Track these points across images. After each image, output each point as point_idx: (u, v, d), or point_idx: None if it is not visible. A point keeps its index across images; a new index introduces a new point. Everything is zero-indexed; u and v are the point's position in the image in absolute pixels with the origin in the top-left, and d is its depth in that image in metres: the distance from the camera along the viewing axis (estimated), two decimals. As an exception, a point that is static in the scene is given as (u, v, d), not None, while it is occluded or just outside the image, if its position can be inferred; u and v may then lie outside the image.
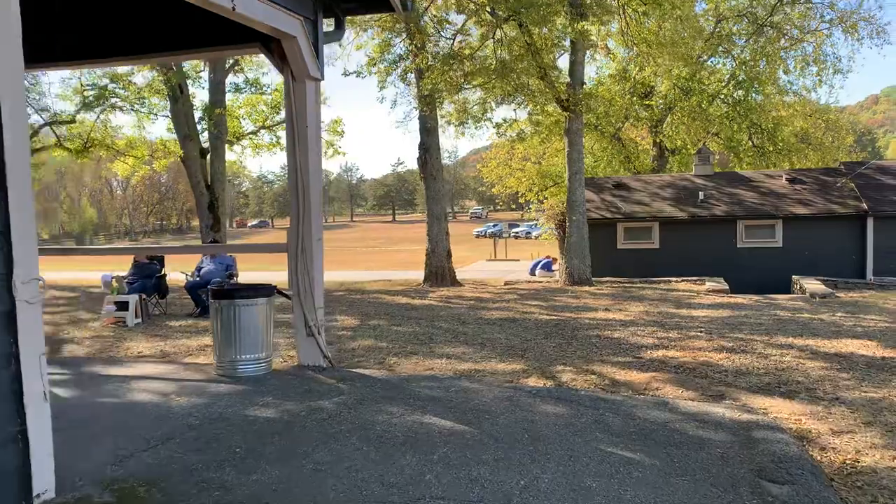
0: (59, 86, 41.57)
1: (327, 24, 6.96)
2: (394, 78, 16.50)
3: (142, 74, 21.20)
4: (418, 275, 18.34)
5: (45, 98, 23.39)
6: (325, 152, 25.22)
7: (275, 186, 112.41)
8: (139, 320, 10.74)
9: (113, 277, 11.56)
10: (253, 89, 21.99)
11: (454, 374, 6.74)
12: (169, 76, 18.87)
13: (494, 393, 5.75)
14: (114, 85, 20.72)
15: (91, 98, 20.74)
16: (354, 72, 16.69)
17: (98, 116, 23.34)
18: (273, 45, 6.17)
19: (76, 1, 6.42)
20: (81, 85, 21.86)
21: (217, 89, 19.96)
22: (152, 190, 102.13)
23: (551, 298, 14.04)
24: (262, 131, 24.74)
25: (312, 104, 6.43)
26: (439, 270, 17.63)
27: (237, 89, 21.73)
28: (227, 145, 23.06)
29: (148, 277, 11.76)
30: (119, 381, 6.02)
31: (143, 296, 11.29)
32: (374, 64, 16.12)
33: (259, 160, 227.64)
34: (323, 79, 6.60)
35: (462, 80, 15.53)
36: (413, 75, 17.12)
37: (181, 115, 19.70)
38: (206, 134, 20.71)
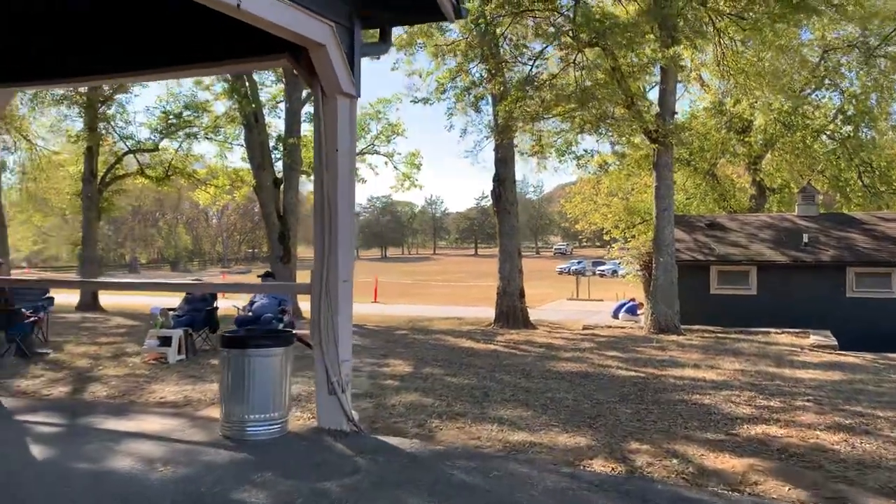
0: (143, 115, 42.94)
1: (370, 37, 6.12)
2: (465, 104, 15.61)
3: (221, 102, 21.23)
4: (492, 312, 17.24)
5: (130, 126, 23.74)
6: (402, 183, 24.66)
7: (360, 218, 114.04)
8: (182, 357, 10.08)
9: (161, 310, 11.02)
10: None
11: (503, 447, 5.62)
12: (243, 104, 18.68)
13: (546, 482, 4.59)
14: (189, 112, 20.80)
15: (172, 126, 20.87)
16: (423, 99, 15.96)
17: (180, 145, 23.57)
18: (301, 56, 5.34)
19: (77, 13, 5.78)
20: (166, 113, 22.09)
21: (293, 119, 19.65)
22: (245, 218, 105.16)
23: (633, 349, 12.66)
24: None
25: (345, 125, 5.54)
26: (510, 311, 16.47)
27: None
28: (302, 176, 22.78)
29: (198, 311, 11.16)
30: (109, 439, 5.20)
31: (191, 330, 10.68)
32: (444, 91, 15.32)
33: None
34: (359, 96, 5.72)
35: (540, 109, 14.50)
36: (488, 102, 16.23)
37: (256, 144, 19.47)
38: (280, 164, 20.42)
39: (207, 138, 21.38)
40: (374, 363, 10.01)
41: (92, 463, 4.63)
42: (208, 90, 20.62)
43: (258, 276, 11.85)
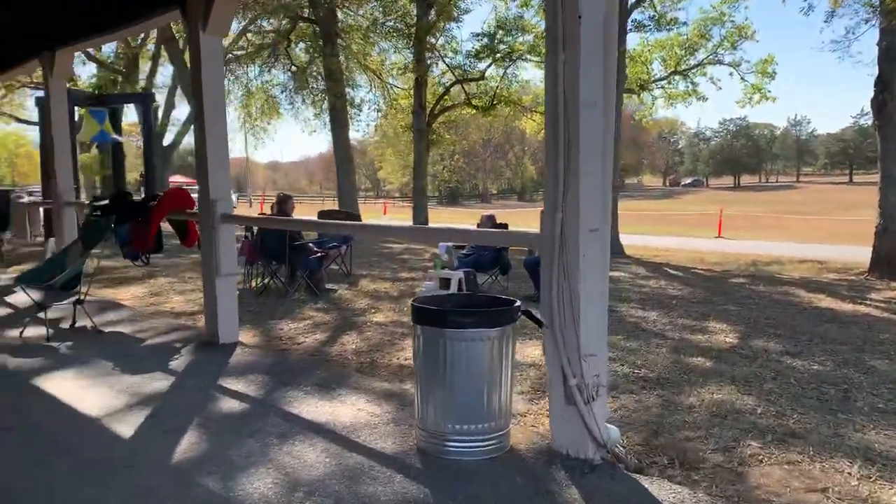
0: (469, 42, 42.87)
1: None
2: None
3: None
4: (867, 256, 13.27)
5: (458, 56, 23.45)
6: (750, 98, 20.74)
7: (711, 143, 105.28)
8: (462, 302, 8.90)
9: (447, 247, 9.97)
10: (660, 27, 18.73)
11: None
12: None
13: None
14: (503, 33, 19.55)
15: (487, 49, 19.91)
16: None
17: (505, 71, 22.67)
18: None
19: None
20: (487, 35, 21.23)
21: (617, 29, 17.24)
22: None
23: None
24: (676, 77, 21.37)
25: (595, -24, 3.42)
26: (894, 256, 12.44)
27: (639, 27, 18.66)
28: (631, 95, 20.36)
29: (486, 249, 9.90)
30: (278, 433, 4.00)
31: (474, 272, 9.47)
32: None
33: (698, 113, 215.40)
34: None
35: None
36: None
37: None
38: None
39: (523, 59, 20.01)
40: (685, 327, 7.73)
41: (219, 479, 3.40)
42: (527, 6, 19.13)
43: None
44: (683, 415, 4.70)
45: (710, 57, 20.69)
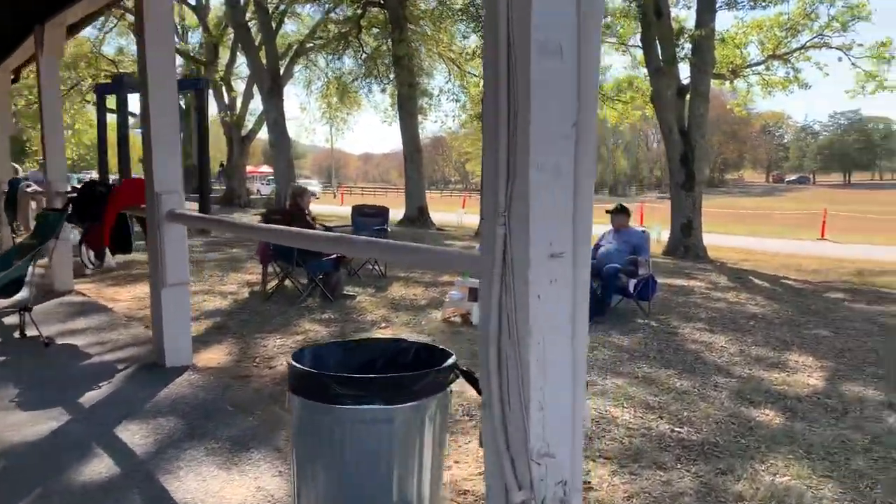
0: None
1: None
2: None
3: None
4: None
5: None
6: (863, 87, 18.42)
7: (819, 138, 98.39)
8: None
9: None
10: (756, 5, 16.66)
11: None
12: (642, -5, 15.10)
13: None
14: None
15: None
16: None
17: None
18: None
19: None
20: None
21: (705, 4, 15.37)
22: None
23: None
24: (774, 62, 19.20)
25: None
26: None
27: (731, 4, 16.62)
28: (715, 81, 18.35)
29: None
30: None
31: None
32: None
33: (804, 105, 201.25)
34: None
35: None
36: None
37: (654, 43, 15.73)
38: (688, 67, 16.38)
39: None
40: (759, 360, 6.16)
41: None
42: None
43: (607, 212, 8.66)
44: (725, 510, 3.28)
45: (816, 39, 18.43)
